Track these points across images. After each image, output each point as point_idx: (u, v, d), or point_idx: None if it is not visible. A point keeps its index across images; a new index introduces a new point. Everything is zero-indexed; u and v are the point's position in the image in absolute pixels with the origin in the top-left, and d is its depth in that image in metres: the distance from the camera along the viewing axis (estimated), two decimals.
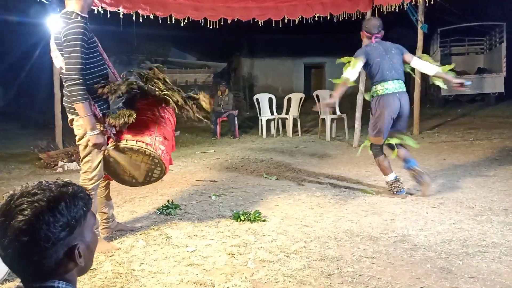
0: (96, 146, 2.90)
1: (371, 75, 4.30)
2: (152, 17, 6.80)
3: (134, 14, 6.62)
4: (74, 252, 1.04)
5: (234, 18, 7.20)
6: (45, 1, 6.36)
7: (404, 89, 4.25)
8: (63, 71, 2.82)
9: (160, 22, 6.94)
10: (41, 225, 0.98)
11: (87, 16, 2.93)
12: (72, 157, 6.68)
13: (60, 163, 6.52)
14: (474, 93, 13.81)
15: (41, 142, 7.75)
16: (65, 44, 2.74)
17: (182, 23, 7.03)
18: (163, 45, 18.70)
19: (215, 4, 7.08)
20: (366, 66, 4.26)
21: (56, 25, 2.83)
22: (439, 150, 6.93)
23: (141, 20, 6.77)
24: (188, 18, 6.97)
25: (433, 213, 3.71)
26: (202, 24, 7.18)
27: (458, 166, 5.63)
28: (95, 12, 6.34)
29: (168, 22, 6.95)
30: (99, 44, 3.03)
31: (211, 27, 7.20)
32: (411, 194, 4.29)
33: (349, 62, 4.20)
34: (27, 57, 13.08)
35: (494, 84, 13.24)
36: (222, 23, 7.21)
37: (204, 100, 3.32)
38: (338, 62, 4.35)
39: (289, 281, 2.50)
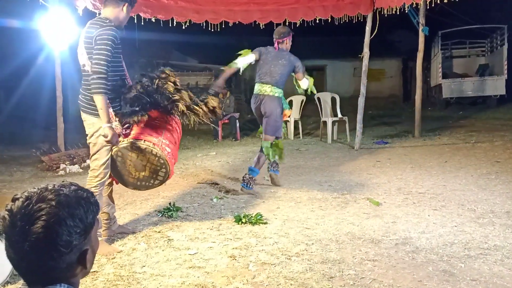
0: (108, 138, 2.97)
1: (256, 73, 4.82)
2: (154, 20, 6.81)
3: (135, 17, 6.63)
4: (85, 257, 1.04)
5: (235, 21, 7.20)
6: (45, 4, 6.36)
7: (270, 93, 4.66)
8: (90, 65, 2.96)
9: (161, 25, 6.95)
10: (62, 231, 0.97)
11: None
12: (74, 160, 6.69)
13: (62, 166, 6.53)
14: (475, 96, 13.83)
15: (43, 144, 7.77)
16: (97, 42, 2.95)
17: (183, 26, 7.04)
18: (165, 48, 18.71)
19: (217, 7, 7.08)
20: (257, 63, 4.79)
21: (89, 27, 3.05)
22: (441, 152, 6.93)
23: (142, 23, 6.78)
24: (190, 21, 6.97)
25: (435, 215, 3.71)
26: (204, 27, 7.20)
27: (460, 168, 5.62)
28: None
29: (170, 25, 6.96)
30: None
31: (212, 30, 7.22)
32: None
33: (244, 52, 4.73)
34: (30, 60, 13.13)
35: (496, 86, 13.26)
36: (223, 26, 7.22)
37: (213, 100, 3.44)
38: (239, 53, 4.75)
39: (291, 284, 2.50)
